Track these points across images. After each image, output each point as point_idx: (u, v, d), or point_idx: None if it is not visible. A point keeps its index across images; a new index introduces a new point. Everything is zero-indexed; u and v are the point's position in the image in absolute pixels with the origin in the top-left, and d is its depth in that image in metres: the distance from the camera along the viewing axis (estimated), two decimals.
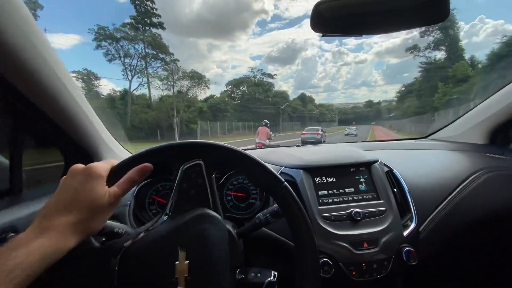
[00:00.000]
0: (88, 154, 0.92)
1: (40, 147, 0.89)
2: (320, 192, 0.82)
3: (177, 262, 0.44)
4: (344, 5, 0.57)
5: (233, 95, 55.61)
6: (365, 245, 0.73)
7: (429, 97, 32.21)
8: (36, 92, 0.63)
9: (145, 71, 34.24)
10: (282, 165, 0.92)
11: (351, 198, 0.82)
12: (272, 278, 0.58)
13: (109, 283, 0.44)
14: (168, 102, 30.94)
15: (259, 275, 0.57)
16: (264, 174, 0.52)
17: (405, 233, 0.78)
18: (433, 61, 35.31)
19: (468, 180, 0.91)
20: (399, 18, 0.57)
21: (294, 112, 67.54)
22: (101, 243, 0.49)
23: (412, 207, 0.84)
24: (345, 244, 0.73)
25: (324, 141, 16.14)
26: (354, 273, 0.72)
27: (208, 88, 38.93)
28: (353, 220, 0.76)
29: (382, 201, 0.81)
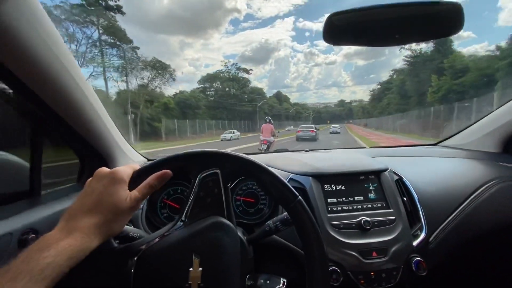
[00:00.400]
0: (103, 156, 0.95)
1: (57, 150, 0.92)
2: (329, 200, 0.82)
3: (191, 269, 0.46)
4: (357, 17, 0.58)
5: (206, 91, 49.78)
6: (374, 254, 0.73)
7: (415, 93, 30.50)
8: (55, 98, 0.65)
9: (101, 60, 27.11)
10: (291, 171, 0.92)
11: (360, 207, 0.82)
12: (281, 285, 0.59)
13: (125, 283, 0.46)
14: (124, 97, 24.95)
15: (268, 281, 0.58)
16: (280, 187, 0.52)
17: (415, 243, 0.78)
18: (419, 54, 32.31)
19: (480, 190, 0.90)
20: (412, 30, 0.57)
21: (270, 110, 64.76)
22: (119, 244, 0.51)
23: (422, 217, 0.83)
24: (353, 253, 0.73)
25: (318, 138, 16.69)
26: (362, 282, 0.72)
27: (174, 80, 34.10)
28: (362, 229, 0.76)
29: (391, 210, 0.81)
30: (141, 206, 0.84)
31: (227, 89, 51.46)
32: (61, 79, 0.62)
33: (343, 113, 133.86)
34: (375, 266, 0.73)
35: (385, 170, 0.89)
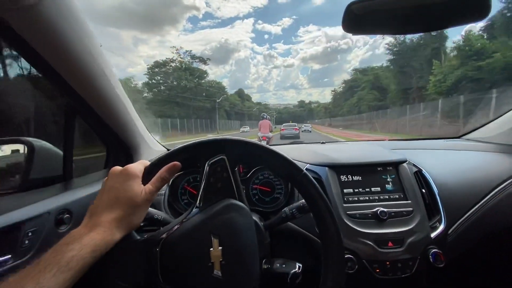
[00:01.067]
0: (127, 146, 1.00)
1: (86, 140, 0.98)
2: (345, 190, 0.83)
3: (211, 249, 0.48)
4: (377, 4, 0.57)
5: (153, 82, 40.44)
6: (390, 244, 0.74)
7: (400, 86, 27.48)
8: (88, 91, 0.70)
9: None
10: (307, 162, 0.93)
11: (377, 197, 0.82)
12: (297, 269, 0.61)
13: (152, 272, 0.49)
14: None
15: (284, 266, 0.60)
16: (284, 164, 0.55)
17: (433, 234, 0.77)
18: (403, 41, 27.91)
19: (504, 184, 0.87)
20: (434, 17, 0.56)
21: (232, 108, 60.30)
22: (143, 233, 0.55)
23: (441, 209, 0.82)
24: (369, 242, 0.74)
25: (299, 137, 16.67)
26: (377, 270, 0.73)
27: None
28: (379, 219, 0.76)
29: (409, 201, 0.80)
30: (163, 192, 0.88)
31: (179, 80, 42.02)
32: (93, 73, 0.67)
33: (304, 113, 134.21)
34: (391, 256, 0.73)
35: (404, 161, 0.88)
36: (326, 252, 0.53)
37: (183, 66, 44.61)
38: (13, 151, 0.80)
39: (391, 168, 0.87)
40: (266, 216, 0.86)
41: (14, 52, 0.59)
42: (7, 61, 0.73)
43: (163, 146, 1.28)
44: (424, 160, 0.98)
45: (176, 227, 0.52)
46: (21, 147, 0.77)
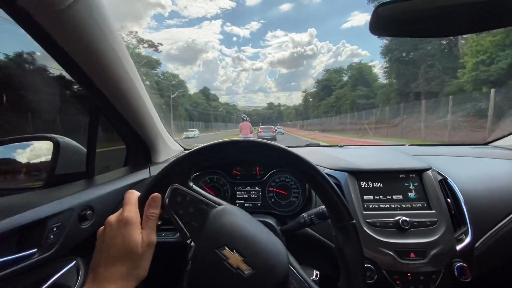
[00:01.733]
0: (147, 145, 1.02)
1: (108, 138, 1.01)
2: (365, 197, 0.80)
3: (228, 259, 0.47)
4: (405, 7, 0.55)
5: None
6: (412, 255, 0.71)
7: (398, 79, 22.53)
8: (113, 91, 0.72)
9: None
10: (325, 166, 0.91)
11: (398, 206, 0.79)
12: (314, 277, 0.60)
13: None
14: None
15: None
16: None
17: (459, 247, 0.73)
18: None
19: None
20: (465, 20, 0.53)
21: (195, 107, 53.54)
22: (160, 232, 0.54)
23: (467, 220, 0.78)
24: (390, 252, 0.71)
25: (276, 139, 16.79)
26: (398, 282, 0.70)
27: None
28: (400, 229, 0.73)
29: (433, 211, 0.77)
30: None
31: None
32: (119, 74, 0.69)
33: (273, 115, 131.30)
34: (412, 267, 0.70)
35: (428, 169, 0.85)
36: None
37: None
38: (39, 148, 0.84)
39: (414, 175, 0.84)
40: (282, 220, 0.85)
41: (42, 52, 0.61)
42: (35, 61, 0.76)
43: (181, 146, 1.30)
44: (448, 167, 0.94)
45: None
46: (48, 144, 0.80)
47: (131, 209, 0.49)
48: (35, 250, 0.58)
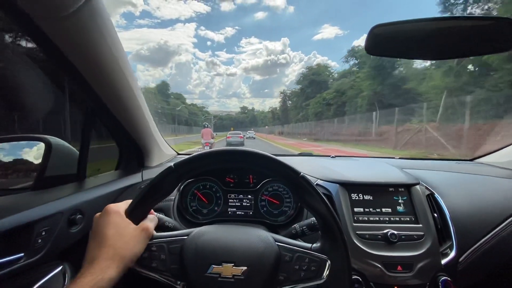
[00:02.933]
0: (140, 149, 1.02)
1: (101, 141, 1.00)
2: (355, 209, 0.82)
3: (221, 275, 0.49)
4: (400, 29, 0.58)
5: None
6: (399, 268, 0.72)
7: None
8: (111, 96, 0.72)
9: None
10: (317, 177, 0.93)
11: (387, 219, 0.81)
12: None
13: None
14: None
15: None
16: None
17: (443, 261, 0.75)
18: None
19: None
20: (455, 45, 0.56)
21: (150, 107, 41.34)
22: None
23: (453, 235, 0.80)
24: (378, 264, 0.72)
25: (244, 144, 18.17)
26: None
27: None
28: (388, 241, 0.75)
29: (420, 225, 0.79)
30: (173, 197, 0.89)
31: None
32: (118, 80, 0.69)
33: (247, 120, 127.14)
34: (400, 280, 0.71)
35: (417, 184, 0.87)
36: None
37: None
38: (30, 148, 0.82)
39: (403, 189, 0.86)
40: (274, 230, 0.85)
41: (43, 55, 0.61)
42: (35, 63, 0.75)
43: (174, 150, 1.29)
44: (436, 182, 0.97)
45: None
46: (39, 145, 0.79)
47: (116, 204, 0.54)
48: (22, 254, 0.57)
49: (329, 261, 0.52)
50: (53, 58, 0.58)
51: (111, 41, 0.60)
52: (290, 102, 56.07)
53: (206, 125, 10.60)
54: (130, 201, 0.55)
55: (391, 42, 0.59)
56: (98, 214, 0.54)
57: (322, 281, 0.51)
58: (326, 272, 0.51)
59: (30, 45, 0.60)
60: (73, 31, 0.51)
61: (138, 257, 0.50)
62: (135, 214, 0.53)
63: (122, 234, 0.49)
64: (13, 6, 0.43)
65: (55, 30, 0.49)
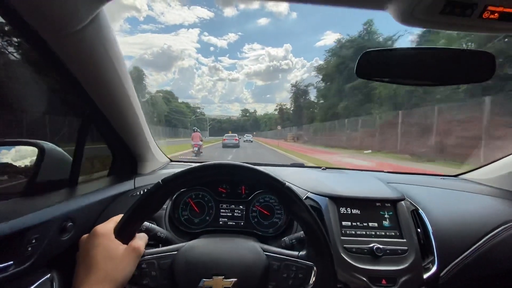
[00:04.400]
0: (134, 156, 1.02)
1: (95, 147, 1.00)
2: (343, 223, 0.84)
3: (212, 287, 0.51)
4: (388, 56, 0.62)
5: None
6: (384, 282, 0.75)
7: None
8: (109, 104, 0.73)
9: None
10: (308, 189, 0.95)
11: (373, 233, 0.83)
12: None
13: None
14: None
15: None
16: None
17: (425, 275, 0.78)
18: None
19: (499, 229, 0.89)
20: (441, 74, 0.60)
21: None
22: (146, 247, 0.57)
23: (434, 251, 0.83)
24: (363, 278, 0.75)
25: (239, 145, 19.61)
26: None
27: None
28: (374, 255, 0.78)
29: (404, 240, 0.82)
30: (165, 206, 0.90)
31: None
32: (117, 90, 0.70)
33: (248, 123, 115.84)
34: None
35: (402, 199, 0.90)
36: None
37: None
38: (23, 154, 0.82)
39: (389, 204, 0.89)
40: (264, 241, 0.87)
41: (42, 63, 0.62)
42: (33, 69, 0.76)
43: (167, 157, 1.30)
44: (420, 197, 1.00)
45: None
46: (32, 150, 0.79)
47: (104, 225, 0.54)
48: (11, 262, 0.57)
49: (315, 267, 0.54)
50: (53, 66, 0.59)
51: (113, 55, 0.62)
52: (303, 99, 41.87)
53: (195, 129, 12.07)
54: (118, 218, 0.55)
55: (379, 67, 0.63)
56: (85, 236, 0.53)
57: (309, 287, 0.53)
58: (312, 279, 0.53)
59: (28, 52, 0.61)
60: (77, 47, 0.52)
61: (129, 277, 0.50)
62: (124, 234, 0.53)
63: (112, 257, 0.49)
64: (20, 21, 0.44)
65: (60, 45, 0.51)
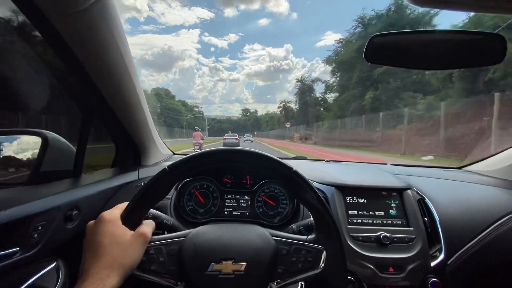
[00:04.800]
0: (137, 147, 1.02)
1: (99, 138, 1.00)
2: (350, 212, 0.84)
3: (221, 272, 0.50)
4: (397, 39, 0.61)
5: None
6: (391, 269, 0.74)
7: None
8: (113, 93, 0.73)
9: None
10: (313, 180, 0.95)
11: (380, 222, 0.83)
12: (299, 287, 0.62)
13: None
14: None
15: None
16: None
17: (433, 264, 0.78)
18: None
19: (504, 219, 0.89)
20: (450, 56, 0.59)
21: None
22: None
23: (441, 239, 0.83)
24: (370, 266, 0.75)
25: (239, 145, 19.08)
26: None
27: None
28: (381, 244, 0.77)
29: (411, 228, 0.82)
30: (171, 196, 0.89)
31: None
32: (122, 78, 0.70)
33: (248, 123, 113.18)
34: (391, 281, 0.74)
35: (408, 188, 0.90)
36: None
37: None
38: (26, 142, 0.81)
39: (395, 193, 0.89)
40: None
41: (47, 49, 0.61)
42: (37, 56, 0.75)
43: (170, 150, 1.29)
44: (426, 187, 1.00)
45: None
46: (36, 139, 0.78)
47: (111, 211, 0.54)
48: (18, 248, 0.56)
49: (324, 251, 0.54)
50: (59, 52, 0.58)
51: (119, 39, 0.61)
52: (308, 95, 37.77)
53: (196, 129, 13.30)
54: (124, 205, 0.55)
55: (388, 51, 0.62)
56: (91, 222, 0.53)
57: (319, 270, 0.53)
58: (322, 262, 0.53)
59: (33, 38, 0.60)
60: (82, 27, 0.51)
61: (137, 263, 0.50)
62: (131, 220, 0.53)
63: (119, 243, 0.49)
64: (27, 1, 0.43)
65: (65, 25, 0.50)
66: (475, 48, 0.57)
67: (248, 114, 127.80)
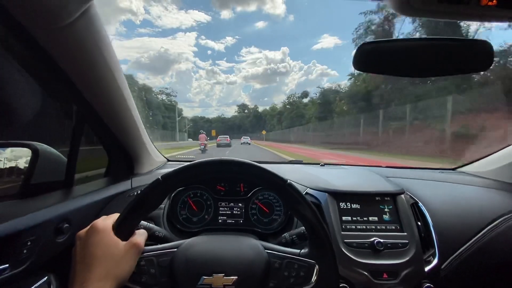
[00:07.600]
0: (130, 156, 1.01)
1: (91, 147, 0.99)
2: (344, 218, 0.84)
3: (212, 285, 0.50)
4: (385, 48, 0.61)
5: None
6: (385, 275, 0.74)
7: None
8: (102, 102, 0.72)
9: None
10: (307, 185, 0.95)
11: (374, 227, 0.83)
12: None
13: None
14: None
15: None
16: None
17: (427, 268, 0.78)
18: None
19: (497, 221, 0.89)
20: (439, 65, 0.59)
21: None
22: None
23: (435, 243, 0.83)
24: (364, 272, 0.74)
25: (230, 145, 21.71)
26: None
27: None
28: (375, 250, 0.77)
29: (405, 233, 0.82)
30: (164, 206, 0.89)
31: None
32: (110, 87, 0.69)
33: (247, 121, 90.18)
34: (385, 287, 0.74)
35: (402, 193, 0.90)
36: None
37: None
38: (17, 156, 0.80)
39: (389, 198, 0.89)
40: (264, 238, 0.86)
41: (33, 61, 0.60)
42: (23, 67, 0.74)
43: (164, 157, 1.29)
44: (419, 190, 1.00)
45: None
46: (26, 151, 0.77)
47: (103, 221, 0.53)
48: (7, 265, 0.55)
49: (317, 265, 0.53)
50: (45, 65, 0.58)
51: (105, 49, 0.60)
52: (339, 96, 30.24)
53: (201, 132, 15.27)
54: (116, 216, 0.54)
55: (377, 59, 0.62)
56: (83, 231, 0.52)
57: (311, 285, 0.53)
58: (314, 277, 0.53)
59: (19, 50, 0.59)
60: (67, 41, 0.51)
61: (130, 274, 0.49)
62: (123, 230, 0.52)
63: (113, 254, 0.48)
64: (7, 16, 0.43)
65: (49, 40, 0.49)
66: (463, 55, 0.57)
67: (246, 111, 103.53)
